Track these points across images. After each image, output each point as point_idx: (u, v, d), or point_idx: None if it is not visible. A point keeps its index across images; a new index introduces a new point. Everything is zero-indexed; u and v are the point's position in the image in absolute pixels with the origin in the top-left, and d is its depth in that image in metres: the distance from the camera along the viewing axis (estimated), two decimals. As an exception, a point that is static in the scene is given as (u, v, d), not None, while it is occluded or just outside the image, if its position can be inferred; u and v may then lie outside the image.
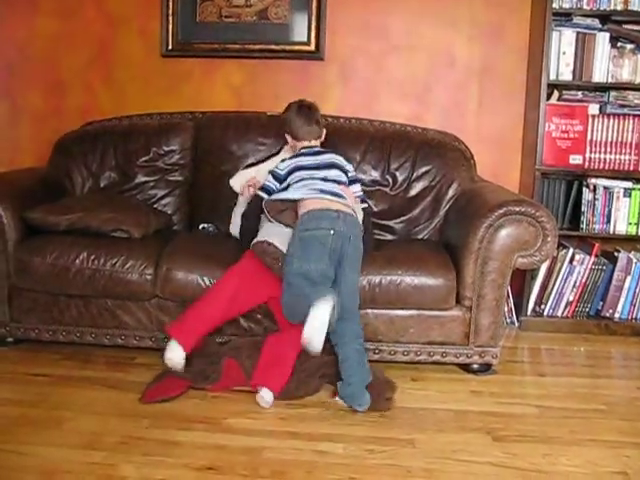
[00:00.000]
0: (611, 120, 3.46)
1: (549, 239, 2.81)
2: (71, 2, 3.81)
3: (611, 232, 3.52)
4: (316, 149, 2.98)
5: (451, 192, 3.39)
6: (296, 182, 2.84)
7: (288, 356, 2.65)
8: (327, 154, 2.96)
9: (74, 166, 3.55)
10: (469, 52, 3.71)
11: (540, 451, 2.28)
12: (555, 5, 3.35)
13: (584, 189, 3.50)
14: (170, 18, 3.76)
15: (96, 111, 3.82)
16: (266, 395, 2.56)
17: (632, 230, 3.51)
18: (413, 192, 3.43)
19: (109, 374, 2.85)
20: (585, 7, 3.37)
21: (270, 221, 2.82)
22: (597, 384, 2.90)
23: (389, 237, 3.40)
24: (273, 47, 3.75)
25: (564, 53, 3.42)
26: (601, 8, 3.36)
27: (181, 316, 2.70)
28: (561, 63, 3.44)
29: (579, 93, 3.51)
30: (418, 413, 2.56)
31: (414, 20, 3.71)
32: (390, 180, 3.45)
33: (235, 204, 3.20)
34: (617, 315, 3.53)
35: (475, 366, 2.94)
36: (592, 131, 3.47)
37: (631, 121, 3.45)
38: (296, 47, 3.77)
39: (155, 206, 3.49)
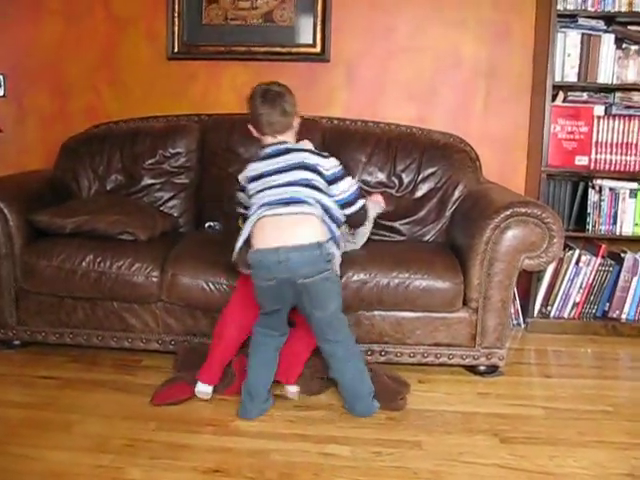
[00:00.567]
0: (616, 121, 3.45)
1: (555, 240, 2.81)
2: (78, 5, 3.82)
3: (617, 233, 3.51)
4: (283, 147, 2.50)
5: (457, 194, 3.38)
6: (256, 193, 2.47)
7: (303, 354, 2.67)
8: (295, 152, 2.49)
9: (80, 169, 3.56)
10: (475, 54, 3.71)
11: (547, 453, 2.28)
12: (560, 7, 3.34)
13: (590, 190, 3.49)
14: (176, 20, 3.77)
15: (102, 113, 3.83)
16: (291, 388, 2.65)
17: (638, 231, 3.49)
18: (419, 194, 3.43)
19: (116, 377, 2.86)
20: (590, 9, 3.36)
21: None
22: (604, 385, 2.89)
23: (396, 238, 3.39)
24: (279, 49, 3.76)
25: (569, 55, 3.42)
26: (606, 9, 3.35)
27: (205, 365, 2.63)
28: (566, 64, 3.43)
29: (584, 94, 3.50)
30: (425, 415, 2.56)
31: (420, 22, 3.71)
32: (396, 182, 3.45)
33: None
34: (624, 316, 3.52)
35: (482, 368, 2.94)
36: (597, 132, 3.46)
37: (636, 122, 3.44)
38: (302, 49, 3.77)
39: (161, 208, 3.49)
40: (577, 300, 3.53)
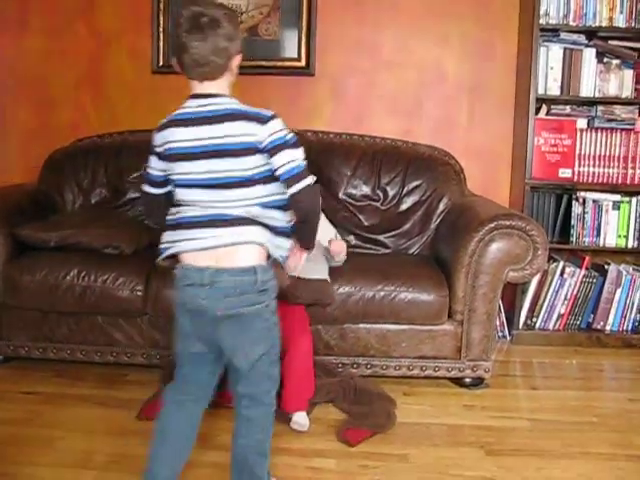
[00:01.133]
0: (599, 134, 3.49)
1: (540, 252, 2.83)
2: (61, 20, 3.81)
3: (601, 245, 3.54)
4: (206, 111, 1.75)
5: (442, 206, 3.40)
6: (178, 184, 1.81)
7: (310, 369, 2.60)
8: (221, 122, 1.73)
9: (65, 182, 3.55)
10: (459, 68, 3.74)
11: (533, 464, 2.28)
12: (542, 21, 3.38)
13: (574, 202, 3.52)
14: (160, 35, 3.77)
15: (86, 128, 3.81)
16: (300, 419, 2.51)
17: (621, 243, 3.53)
18: (404, 207, 3.45)
19: (100, 391, 2.83)
20: (571, 23, 3.41)
21: None
22: (589, 396, 2.91)
23: (381, 251, 3.40)
24: (264, 63, 3.76)
25: (552, 68, 3.46)
26: (587, 24, 3.40)
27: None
28: (549, 78, 3.47)
29: (567, 107, 3.54)
30: (411, 428, 2.55)
31: (404, 37, 3.73)
32: (381, 195, 3.46)
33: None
34: (608, 327, 3.55)
35: (467, 380, 2.94)
36: (580, 145, 3.49)
37: (618, 135, 3.48)
38: (287, 63, 3.78)
39: (146, 222, 3.48)
40: (562, 312, 3.54)
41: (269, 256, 1.80)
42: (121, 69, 3.83)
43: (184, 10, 1.75)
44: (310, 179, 1.79)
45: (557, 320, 3.55)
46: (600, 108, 3.53)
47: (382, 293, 2.83)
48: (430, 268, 3.04)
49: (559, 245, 3.56)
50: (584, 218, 3.51)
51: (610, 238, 3.53)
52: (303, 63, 3.77)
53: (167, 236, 1.84)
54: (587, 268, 3.54)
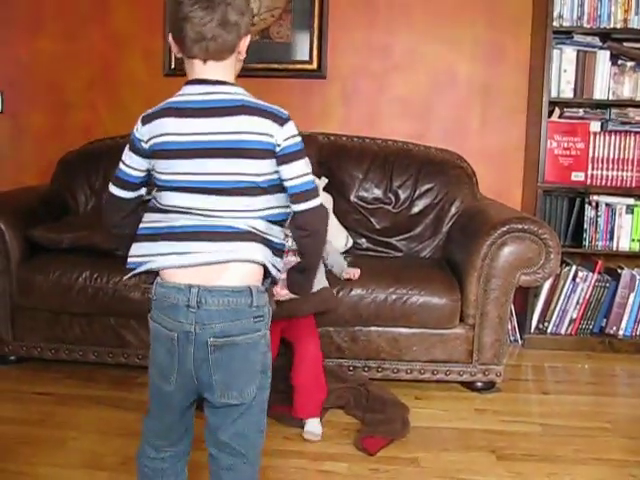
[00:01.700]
0: (612, 137, 3.47)
1: (552, 256, 2.81)
2: (75, 23, 3.84)
3: (614, 249, 3.51)
4: (214, 97, 1.47)
5: (453, 210, 3.39)
6: (165, 187, 1.51)
7: (320, 373, 2.57)
8: (229, 115, 1.45)
9: (77, 184, 3.57)
10: (471, 70, 3.73)
11: (545, 470, 2.27)
12: (556, 23, 3.36)
13: (586, 206, 3.50)
14: (173, 38, 3.78)
15: (99, 130, 3.83)
16: (313, 428, 2.48)
17: (635, 247, 3.50)
18: (415, 210, 3.44)
19: (112, 393, 2.85)
20: (585, 25, 3.39)
21: None
22: (601, 402, 2.89)
23: (393, 254, 3.39)
24: (275, 66, 3.77)
25: (565, 71, 3.44)
26: (601, 26, 3.38)
27: None
28: (562, 81, 3.45)
29: (580, 110, 3.52)
30: (422, 432, 2.54)
31: (416, 39, 3.73)
32: (392, 198, 3.45)
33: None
34: (621, 332, 3.52)
35: (479, 384, 2.93)
36: (594, 148, 3.47)
37: (632, 138, 3.46)
38: (298, 66, 3.78)
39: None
40: (574, 316, 3.52)
41: (264, 278, 1.53)
42: (134, 71, 3.85)
43: None
44: (320, 199, 1.55)
45: (569, 324, 3.53)
46: (614, 111, 3.51)
47: (394, 296, 2.83)
48: (442, 271, 3.03)
49: (572, 249, 3.54)
50: (597, 222, 3.49)
51: (623, 242, 3.50)
52: (315, 66, 3.77)
53: (140, 248, 1.52)
54: (600, 272, 3.52)
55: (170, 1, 1.48)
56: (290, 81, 3.79)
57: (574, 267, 3.52)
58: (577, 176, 3.49)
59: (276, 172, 1.49)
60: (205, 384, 1.49)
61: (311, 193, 1.51)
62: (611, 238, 3.50)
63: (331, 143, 3.59)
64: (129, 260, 1.55)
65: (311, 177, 1.53)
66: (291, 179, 1.49)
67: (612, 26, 3.38)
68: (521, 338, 3.57)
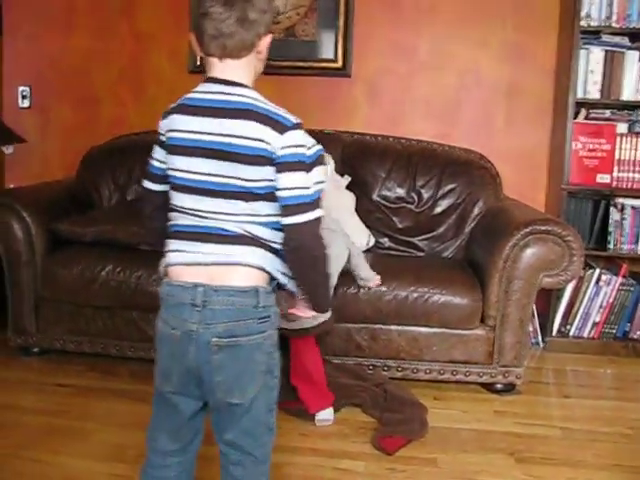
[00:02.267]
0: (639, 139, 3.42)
1: (575, 259, 2.79)
2: (105, 20, 3.88)
3: (639, 253, 3.47)
4: (219, 97, 1.46)
5: (476, 210, 3.38)
6: (173, 185, 1.53)
7: (318, 362, 2.60)
8: (236, 118, 1.43)
9: (102, 179, 3.61)
10: (497, 71, 3.70)
11: (563, 474, 2.26)
12: (583, 23, 3.33)
13: (611, 208, 3.46)
14: (199, 35, 3.81)
15: (126, 125, 3.87)
16: (324, 415, 2.54)
17: (660, 251, 3.46)
18: (438, 210, 3.43)
19: (133, 386, 2.87)
20: (614, 25, 3.34)
21: None
22: (623, 407, 2.85)
23: (415, 254, 3.39)
24: (300, 64, 3.77)
25: (592, 71, 3.40)
26: (630, 26, 3.33)
27: None
28: (589, 81, 3.41)
29: (607, 112, 3.48)
30: (441, 432, 2.54)
31: (442, 39, 3.71)
32: (415, 197, 3.44)
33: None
34: (645, 337, 3.48)
35: (499, 386, 2.91)
36: (620, 150, 3.43)
37: (660, 140, 3.41)
38: (323, 64, 3.78)
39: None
40: (597, 320, 3.48)
41: (271, 280, 1.52)
42: (160, 68, 3.88)
43: None
44: (316, 213, 1.46)
45: (592, 328, 3.49)
46: (642, 112, 3.47)
47: (415, 294, 2.82)
48: (464, 272, 3.02)
49: (596, 252, 3.50)
50: (622, 225, 3.45)
51: (649, 246, 3.46)
52: (340, 64, 3.76)
53: (166, 244, 1.57)
54: (624, 276, 3.47)
55: (195, 3, 1.49)
56: (315, 79, 3.79)
57: (598, 270, 3.48)
58: (602, 178, 3.45)
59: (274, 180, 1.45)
60: (206, 384, 1.48)
61: (302, 207, 1.44)
62: (636, 241, 3.45)
63: (355, 142, 3.59)
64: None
65: (309, 191, 1.46)
66: (282, 189, 1.44)
67: (642, 26, 3.34)
68: (543, 341, 3.54)
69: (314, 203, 1.47)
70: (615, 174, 3.44)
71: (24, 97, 4.00)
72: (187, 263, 1.48)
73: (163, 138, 1.53)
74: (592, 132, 3.44)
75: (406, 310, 2.82)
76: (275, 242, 1.49)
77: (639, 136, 3.42)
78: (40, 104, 4.01)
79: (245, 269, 1.46)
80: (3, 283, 3.09)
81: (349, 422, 2.58)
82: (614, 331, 3.50)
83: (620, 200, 3.46)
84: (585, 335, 3.50)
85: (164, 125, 1.53)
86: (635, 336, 3.47)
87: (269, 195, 1.45)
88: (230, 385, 1.48)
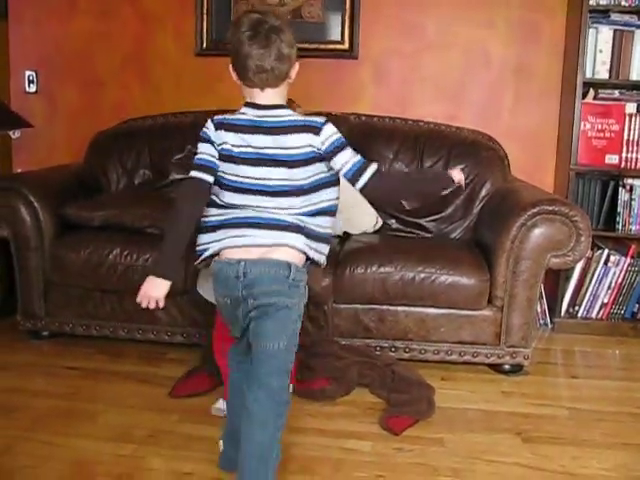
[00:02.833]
0: (649, 119, 3.39)
1: (583, 239, 2.77)
2: (109, 2, 3.86)
3: (648, 233, 3.45)
4: (270, 119, 1.81)
5: (484, 191, 3.36)
6: (228, 187, 1.85)
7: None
8: (283, 134, 1.80)
9: (109, 163, 3.61)
10: (504, 51, 3.67)
11: (570, 454, 2.25)
12: (592, 2, 3.29)
13: (620, 189, 3.43)
14: (204, 17, 3.79)
15: (132, 109, 3.87)
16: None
17: (669, 231, 3.44)
18: (446, 191, 3.40)
19: (141, 368, 2.90)
20: (623, 3, 3.31)
21: None
22: (631, 387, 2.85)
23: (422, 235, 3.38)
24: (307, 46, 3.73)
25: (601, 51, 3.37)
26: (640, 5, 3.30)
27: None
28: (597, 61, 3.38)
29: (616, 92, 3.44)
30: (448, 413, 2.54)
31: (448, 19, 3.68)
32: (422, 179, 3.43)
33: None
34: (654, 318, 3.47)
35: (506, 367, 2.91)
36: (629, 130, 3.40)
37: (670, 120, 3.38)
38: (330, 46, 3.76)
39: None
40: (605, 301, 3.47)
41: (307, 261, 1.86)
42: (165, 51, 3.87)
43: (243, 17, 1.80)
44: (373, 167, 1.83)
45: (600, 309, 3.48)
46: (651, 92, 3.43)
47: (422, 275, 2.82)
48: (471, 252, 3.01)
49: (604, 233, 3.48)
50: (631, 205, 3.42)
51: (658, 226, 3.44)
52: (346, 46, 3.74)
53: (205, 238, 1.87)
54: (633, 257, 3.45)
55: (232, 39, 1.79)
56: (321, 61, 3.77)
57: (606, 251, 3.46)
58: (611, 159, 3.43)
59: (323, 172, 1.84)
60: (251, 322, 1.83)
61: (363, 167, 1.82)
62: (645, 222, 3.44)
63: (362, 123, 3.57)
64: (197, 248, 1.88)
65: (357, 157, 1.83)
66: (342, 165, 1.81)
67: (651, 4, 3.30)
68: (551, 322, 3.53)
69: (366, 162, 1.84)
70: (624, 154, 3.42)
71: (31, 82, 4.00)
72: (241, 245, 1.80)
73: (217, 146, 1.84)
74: (601, 112, 3.41)
75: (413, 290, 2.82)
76: (316, 225, 1.85)
77: (648, 116, 3.39)
78: (47, 89, 4.01)
79: (285, 248, 1.79)
80: (12, 268, 3.11)
81: (356, 403, 2.59)
82: (622, 312, 3.49)
83: (629, 181, 3.43)
84: (593, 316, 3.49)
85: (216, 136, 1.84)
86: (644, 317, 3.47)
87: (315, 187, 1.83)
88: (264, 333, 1.80)
